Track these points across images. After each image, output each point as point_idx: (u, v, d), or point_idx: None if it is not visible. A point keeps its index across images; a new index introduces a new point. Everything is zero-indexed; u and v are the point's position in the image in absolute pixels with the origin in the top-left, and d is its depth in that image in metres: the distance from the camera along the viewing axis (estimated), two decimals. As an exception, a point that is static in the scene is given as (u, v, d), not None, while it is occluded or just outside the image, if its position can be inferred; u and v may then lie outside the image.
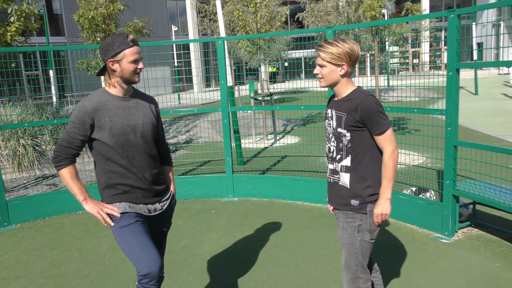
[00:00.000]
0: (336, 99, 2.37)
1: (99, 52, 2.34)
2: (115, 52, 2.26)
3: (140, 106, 2.43)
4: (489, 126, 10.15)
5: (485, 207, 4.37)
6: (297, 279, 3.53)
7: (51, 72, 15.95)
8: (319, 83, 2.35)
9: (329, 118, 2.37)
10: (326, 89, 5.18)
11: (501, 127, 9.89)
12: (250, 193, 5.82)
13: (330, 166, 2.41)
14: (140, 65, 2.33)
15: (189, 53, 27.37)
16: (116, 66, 2.29)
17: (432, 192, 4.82)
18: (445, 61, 4.02)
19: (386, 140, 2.23)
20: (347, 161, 2.31)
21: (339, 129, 2.29)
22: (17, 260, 4.21)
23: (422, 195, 4.74)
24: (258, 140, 9.91)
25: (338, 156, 2.34)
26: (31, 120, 7.70)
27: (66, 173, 2.32)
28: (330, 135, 2.37)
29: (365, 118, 2.21)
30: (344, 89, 2.31)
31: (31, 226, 5.18)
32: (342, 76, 2.28)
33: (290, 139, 9.84)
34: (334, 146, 2.35)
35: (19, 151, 7.38)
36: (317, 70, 2.32)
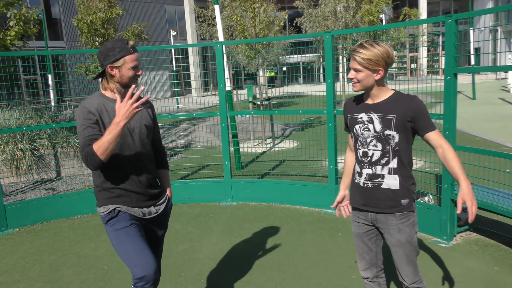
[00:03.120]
0: (371, 102, 2.32)
1: (98, 56, 2.32)
2: (115, 58, 2.25)
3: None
4: (487, 130, 10.17)
5: (483, 211, 4.37)
6: (295, 284, 3.53)
7: (49, 77, 15.94)
8: (352, 87, 2.33)
9: (366, 122, 2.31)
10: (324, 93, 5.20)
11: (499, 132, 9.91)
12: (249, 197, 5.81)
13: (368, 171, 2.34)
14: (139, 72, 2.33)
15: (187, 57, 27.43)
16: (115, 72, 2.29)
17: (431, 196, 4.82)
18: (443, 66, 4.03)
19: (440, 136, 2.24)
20: (393, 163, 2.28)
21: (386, 132, 2.25)
22: (15, 265, 4.19)
23: (421, 200, 4.75)
24: (256, 145, 9.92)
25: (385, 159, 2.29)
26: (29, 124, 7.69)
27: (95, 145, 2.13)
28: (369, 139, 2.30)
29: (417, 117, 2.21)
30: (382, 92, 2.29)
31: (29, 231, 5.17)
32: (378, 80, 2.25)
33: (288, 144, 9.85)
34: (376, 149, 2.29)
35: (17, 155, 7.37)
36: (352, 74, 2.27)
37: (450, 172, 2.20)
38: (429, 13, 33.57)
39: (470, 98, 17.33)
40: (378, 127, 2.26)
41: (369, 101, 2.33)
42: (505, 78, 22.67)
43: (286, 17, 11.50)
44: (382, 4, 6.81)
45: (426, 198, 4.77)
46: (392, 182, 2.29)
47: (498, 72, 28.03)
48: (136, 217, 2.41)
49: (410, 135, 2.28)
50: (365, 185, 2.36)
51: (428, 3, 32.93)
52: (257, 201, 5.78)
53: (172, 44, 29.88)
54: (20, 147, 7.41)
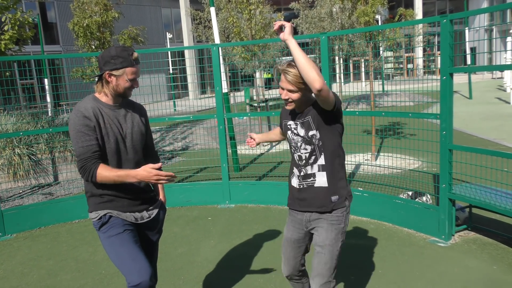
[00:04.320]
0: (297, 111, 2.42)
1: (98, 60, 2.30)
2: (116, 67, 2.24)
3: (129, 115, 2.43)
4: (483, 129, 10.20)
5: (481, 210, 4.38)
6: (294, 285, 3.52)
7: (46, 81, 15.91)
8: (287, 106, 2.41)
9: (293, 129, 2.44)
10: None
11: (495, 131, 9.94)
12: (247, 200, 5.81)
13: (301, 173, 2.43)
14: (137, 85, 2.33)
15: (184, 60, 27.41)
16: (112, 79, 2.28)
17: (428, 196, 4.83)
18: (439, 66, 4.05)
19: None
20: (321, 160, 2.36)
21: (310, 132, 2.35)
22: (13, 271, 4.17)
23: (419, 199, 4.75)
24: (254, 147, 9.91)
25: (312, 158, 2.38)
26: (26, 129, 7.67)
27: (102, 174, 2.20)
28: (299, 144, 2.41)
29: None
30: (309, 104, 2.38)
31: (26, 236, 5.15)
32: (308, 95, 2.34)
33: (286, 145, 9.85)
34: (305, 151, 2.39)
35: (15, 160, 7.34)
36: (286, 95, 2.33)
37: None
38: (425, 13, 33.67)
39: (466, 98, 17.38)
40: (302, 131, 2.38)
41: (297, 111, 2.43)
42: (501, 77, 22.77)
43: (282, 19, 11.50)
44: (378, 4, 6.81)
45: (424, 198, 4.78)
46: (322, 179, 2.37)
47: (494, 72, 28.14)
48: (129, 222, 2.40)
49: (334, 132, 2.35)
50: (301, 186, 2.43)
51: (424, 4, 33.03)
52: (255, 203, 5.78)
53: (169, 46, 29.88)
54: (17, 152, 7.39)
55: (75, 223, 5.52)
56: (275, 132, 2.84)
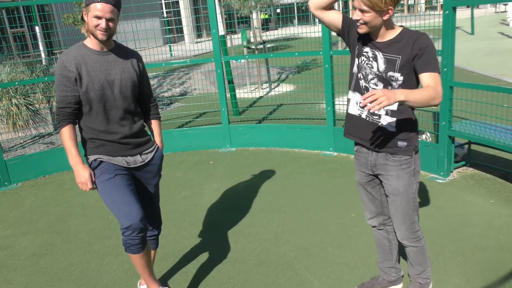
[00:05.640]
0: (377, 40, 2.12)
1: None
2: (87, 2, 2.22)
3: (119, 61, 2.39)
4: (485, 66, 10.06)
5: (480, 146, 4.42)
6: (297, 224, 3.63)
7: (37, 28, 15.47)
8: (358, 28, 2.09)
9: (370, 59, 2.15)
10: (320, 34, 5.07)
11: (498, 67, 9.81)
12: (247, 143, 5.85)
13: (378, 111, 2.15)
14: (101, 24, 2.21)
15: (177, 2, 26.52)
16: (85, 17, 2.27)
17: (428, 134, 4.85)
18: (441, 1, 3.91)
19: (435, 79, 1.99)
20: (394, 106, 2.11)
21: (390, 73, 2.09)
22: (22, 218, 4.29)
23: (418, 137, 4.77)
24: (253, 90, 9.83)
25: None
26: (21, 78, 7.56)
27: (63, 133, 2.34)
28: (371, 76, 2.16)
29: (419, 55, 2.00)
30: (390, 32, 2.09)
31: (32, 185, 5.24)
32: (386, 20, 2.03)
33: (285, 87, 9.76)
34: (376, 88, 2.14)
35: (13, 111, 7.31)
36: (357, 15, 2.02)
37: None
38: None
39: (468, 34, 16.98)
40: (382, 67, 2.11)
41: (375, 39, 2.13)
42: (505, 11, 22.11)
43: None
44: None
45: (424, 136, 4.80)
46: (388, 123, 2.17)
47: (497, 5, 27.26)
48: (121, 167, 2.42)
49: (415, 80, 2.11)
50: (366, 119, 2.23)
51: None
52: (256, 146, 5.82)
53: (161, -12, 28.76)
54: (15, 102, 7.34)
55: (79, 171, 5.58)
56: (334, 15, 2.28)
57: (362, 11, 1.99)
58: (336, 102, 5.28)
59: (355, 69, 2.24)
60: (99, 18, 2.20)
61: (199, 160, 5.53)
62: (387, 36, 2.10)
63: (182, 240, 3.55)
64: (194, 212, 4.04)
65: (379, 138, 2.22)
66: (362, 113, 2.25)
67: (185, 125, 7.05)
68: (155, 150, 2.60)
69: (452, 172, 4.31)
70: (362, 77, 2.21)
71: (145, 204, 2.59)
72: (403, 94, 1.84)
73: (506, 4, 21.38)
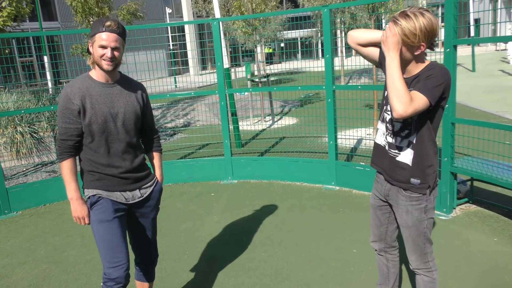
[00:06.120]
0: (405, 76, 2.12)
1: None
2: (91, 34, 2.26)
3: (124, 93, 2.37)
4: (486, 102, 10.14)
5: (482, 183, 4.40)
6: (297, 259, 3.58)
7: (45, 58, 15.78)
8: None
9: None
10: (323, 69, 5.15)
11: (498, 104, 9.88)
12: (249, 175, 5.84)
13: (389, 140, 2.24)
14: (107, 53, 2.22)
15: (184, 35, 27.10)
16: (91, 48, 2.28)
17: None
18: (442, 38, 3.99)
19: (417, 97, 1.95)
20: (413, 137, 2.13)
21: None
22: (20, 247, 4.24)
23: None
24: (255, 122, 9.90)
25: (405, 132, 2.15)
26: (27, 107, 7.66)
27: (63, 166, 2.34)
28: (389, 109, 2.20)
29: (422, 79, 2.00)
30: (418, 66, 2.09)
31: (32, 213, 5.21)
32: (417, 55, 2.04)
33: (287, 120, 9.83)
34: (398, 121, 2.16)
35: (17, 139, 7.37)
36: None
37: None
38: (428, -16, 32.99)
39: (469, 70, 17.20)
40: None
41: (403, 73, 2.11)
42: (505, 49, 22.46)
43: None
44: (381, -24, 6.68)
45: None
46: (407, 156, 2.17)
47: (498, 44, 27.73)
48: (119, 203, 2.38)
49: (435, 110, 2.08)
50: (388, 151, 2.27)
51: (427, -26, 32.35)
52: (258, 179, 5.81)
53: (168, 22, 29.47)
54: (19, 130, 7.40)
55: (80, 200, 5.57)
56: (371, 49, 2.36)
57: None
58: (339, 136, 5.30)
59: (384, 101, 2.30)
60: (104, 47, 2.22)
61: (201, 192, 5.51)
62: (415, 71, 2.11)
63: (181, 273, 3.50)
64: (194, 245, 4.00)
65: (394, 171, 2.24)
66: (386, 145, 2.29)
67: (187, 156, 7.07)
68: (154, 184, 2.55)
69: (455, 209, 4.28)
70: (386, 109, 2.26)
71: (141, 237, 2.56)
72: (393, 55, 1.96)
73: (506, 43, 21.74)
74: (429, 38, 1.98)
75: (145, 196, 2.49)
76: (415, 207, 2.21)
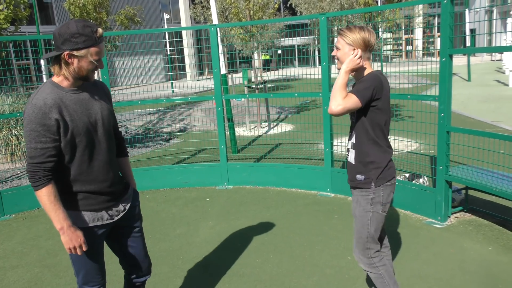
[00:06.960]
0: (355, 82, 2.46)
1: (55, 37, 1.94)
2: (78, 46, 1.92)
3: (94, 97, 2.11)
4: (481, 112, 10.21)
5: (477, 192, 4.42)
6: (292, 265, 3.57)
7: (42, 62, 15.75)
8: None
9: None
10: (320, 76, 5.17)
11: (493, 113, 9.95)
12: (245, 181, 5.83)
13: (348, 145, 2.55)
14: (102, 65, 2.04)
15: (181, 41, 27.17)
16: (73, 61, 1.95)
17: (425, 178, 4.86)
18: (438, 48, 4.02)
19: (350, 97, 2.27)
20: (353, 138, 2.44)
21: None
22: (13, 250, 4.21)
23: (416, 181, 4.78)
24: (252, 128, 9.91)
25: (351, 134, 2.48)
26: (23, 110, 7.62)
27: (46, 194, 1.96)
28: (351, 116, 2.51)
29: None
30: (362, 75, 2.40)
31: (25, 216, 5.17)
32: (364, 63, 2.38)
33: (284, 127, 9.85)
34: (352, 123, 2.49)
35: (12, 142, 7.33)
36: (334, 52, 2.45)
37: None
38: (425, -6, 33.27)
39: (465, 80, 17.33)
40: None
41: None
42: (500, 60, 22.66)
43: (280, -1, 11.36)
44: (378, -15, 6.74)
45: (421, 180, 4.80)
46: (352, 156, 2.47)
47: (493, 54, 27.97)
48: (100, 226, 2.18)
49: (370, 109, 2.34)
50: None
51: (424, -16, 32.65)
52: (253, 185, 5.81)
53: (166, 27, 29.55)
54: (15, 133, 7.37)
55: (74, 204, 5.54)
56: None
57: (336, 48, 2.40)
58: (334, 143, 5.31)
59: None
60: (99, 60, 2.02)
61: (196, 197, 5.50)
62: (360, 78, 2.41)
63: (174, 278, 3.48)
64: (189, 250, 3.98)
65: (348, 172, 2.55)
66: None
67: (183, 161, 7.05)
68: (131, 194, 2.39)
69: (449, 217, 4.29)
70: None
71: (133, 249, 2.42)
72: (346, 69, 2.33)
73: (501, 53, 21.92)
74: (364, 46, 2.34)
75: (127, 208, 2.32)
76: (364, 197, 2.45)
